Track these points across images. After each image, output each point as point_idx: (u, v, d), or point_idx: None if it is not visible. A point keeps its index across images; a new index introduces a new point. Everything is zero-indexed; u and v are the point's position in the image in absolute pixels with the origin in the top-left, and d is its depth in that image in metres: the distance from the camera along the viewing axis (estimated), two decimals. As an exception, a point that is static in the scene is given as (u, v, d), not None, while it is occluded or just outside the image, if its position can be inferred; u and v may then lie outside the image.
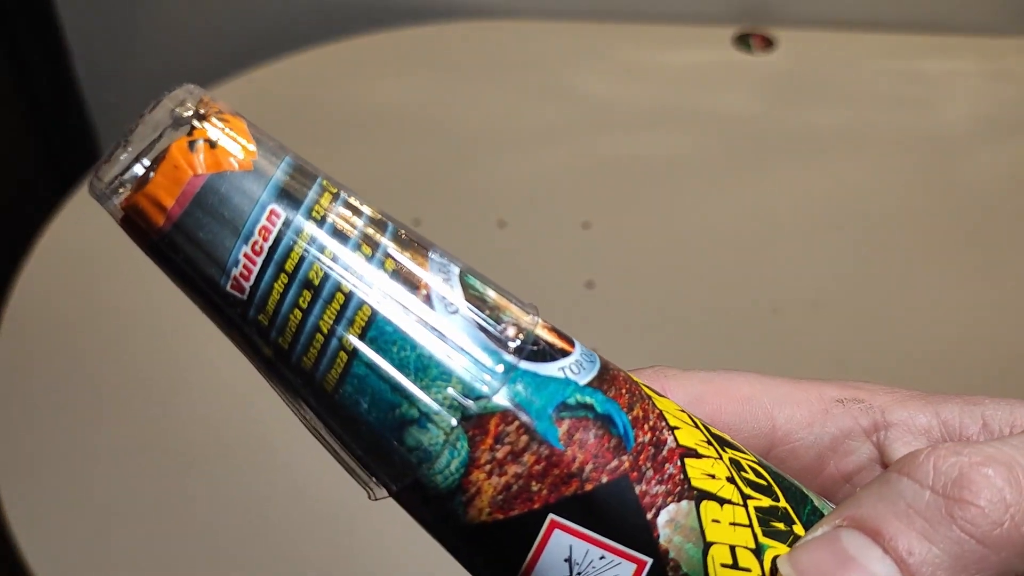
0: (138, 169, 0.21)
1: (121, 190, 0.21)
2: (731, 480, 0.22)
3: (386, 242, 0.21)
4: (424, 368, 0.21)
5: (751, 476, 0.23)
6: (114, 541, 0.62)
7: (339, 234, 0.21)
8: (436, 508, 0.22)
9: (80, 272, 0.77)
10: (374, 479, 0.22)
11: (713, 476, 0.22)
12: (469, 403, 0.21)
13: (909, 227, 0.83)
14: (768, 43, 0.98)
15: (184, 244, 0.21)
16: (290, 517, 0.63)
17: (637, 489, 0.21)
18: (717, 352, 0.72)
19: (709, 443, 0.23)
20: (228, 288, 0.21)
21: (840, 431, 0.26)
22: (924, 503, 0.21)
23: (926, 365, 0.72)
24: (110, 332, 0.74)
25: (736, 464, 0.23)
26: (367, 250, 0.21)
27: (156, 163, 0.21)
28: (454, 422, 0.21)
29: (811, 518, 0.23)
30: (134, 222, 0.21)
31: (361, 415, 0.21)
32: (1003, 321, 0.76)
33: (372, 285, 0.21)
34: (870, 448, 0.27)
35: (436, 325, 0.21)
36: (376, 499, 0.23)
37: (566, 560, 0.21)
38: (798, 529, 0.23)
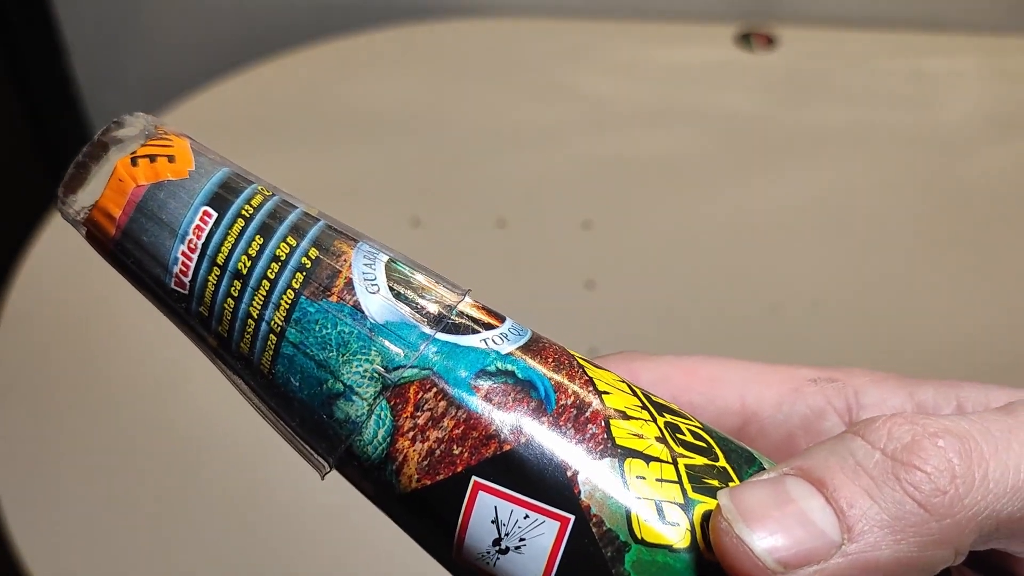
0: (92, 192, 0.24)
1: (83, 211, 0.24)
2: (661, 440, 0.23)
3: (312, 234, 0.23)
4: (345, 344, 0.23)
5: (688, 438, 0.23)
6: (113, 541, 0.62)
7: (265, 228, 0.23)
8: (372, 479, 0.23)
9: (78, 272, 0.77)
10: (316, 454, 0.24)
11: (640, 436, 0.23)
12: (388, 374, 0.23)
13: (910, 226, 0.83)
14: (770, 42, 0.97)
15: (133, 248, 0.24)
16: (292, 517, 0.63)
17: (556, 448, 0.22)
18: (717, 351, 0.72)
19: (644, 408, 0.23)
20: (172, 285, 0.23)
21: (811, 410, 0.26)
22: (873, 462, 0.21)
23: (926, 365, 0.71)
24: (109, 331, 0.73)
25: (672, 427, 0.23)
26: (292, 241, 0.23)
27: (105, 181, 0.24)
28: (375, 392, 0.23)
29: None
30: (94, 236, 0.24)
31: (294, 393, 0.23)
32: (1004, 321, 0.76)
33: (294, 271, 0.23)
34: (843, 428, 0.26)
35: (356, 304, 0.23)
36: (324, 477, 0.24)
37: (493, 521, 0.22)
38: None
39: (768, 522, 0.21)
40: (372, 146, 0.87)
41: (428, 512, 0.23)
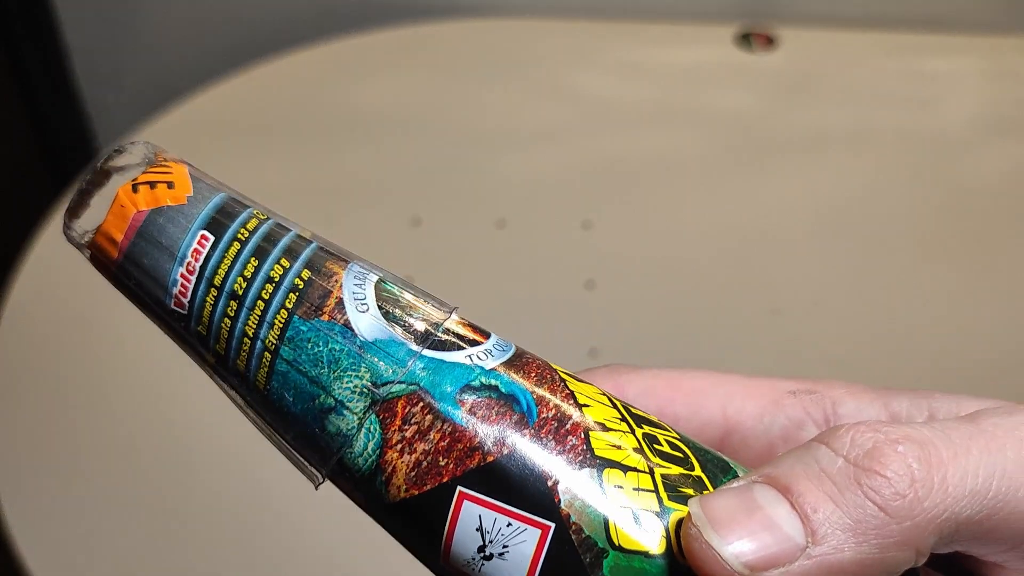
0: (95, 216, 0.25)
1: (87, 235, 0.25)
2: (638, 451, 0.24)
3: (305, 255, 0.25)
4: (336, 361, 0.24)
5: (665, 448, 0.24)
6: (113, 541, 0.62)
7: (259, 251, 0.24)
8: (363, 489, 0.24)
9: (78, 273, 0.77)
10: (309, 466, 0.25)
11: (619, 447, 0.24)
12: (376, 389, 0.24)
13: (911, 227, 0.83)
14: (770, 42, 0.97)
15: (134, 271, 0.25)
16: (290, 518, 0.63)
17: (537, 459, 0.23)
18: (717, 352, 0.72)
19: (623, 420, 0.24)
20: (172, 306, 0.25)
21: (790, 421, 0.27)
22: (836, 469, 0.22)
23: (927, 365, 0.71)
24: (108, 332, 0.73)
25: (650, 438, 0.24)
26: (285, 263, 0.24)
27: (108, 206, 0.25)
28: (365, 407, 0.24)
29: None
30: (97, 258, 0.26)
31: (288, 407, 0.24)
32: (1005, 321, 0.76)
33: (287, 292, 0.24)
34: None
35: (346, 323, 0.24)
36: (318, 487, 0.25)
37: (477, 529, 0.23)
38: None
39: (735, 527, 0.22)
40: (372, 146, 0.87)
41: (416, 521, 0.24)
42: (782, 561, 0.21)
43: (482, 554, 0.23)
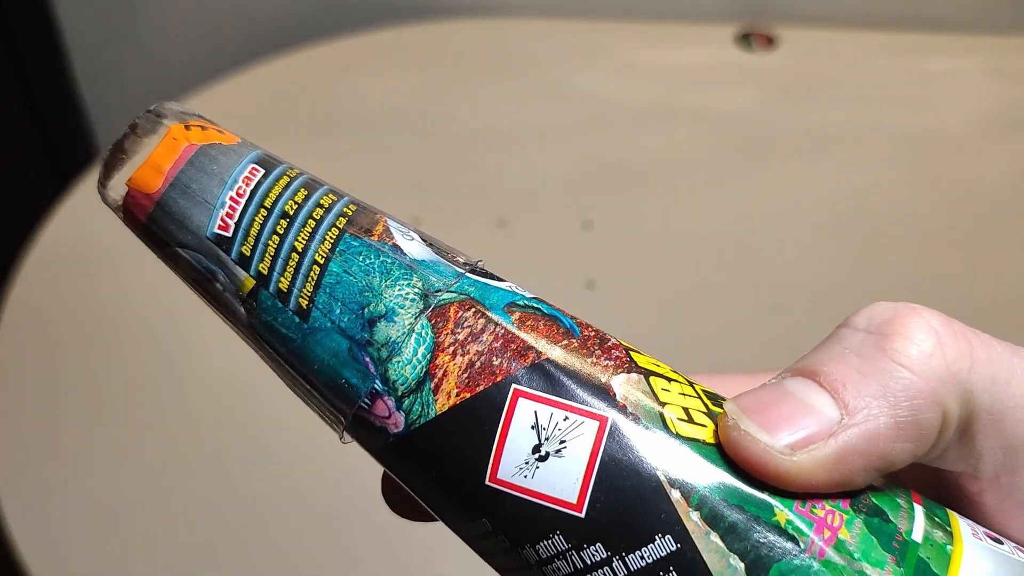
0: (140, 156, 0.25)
1: (126, 174, 0.25)
2: (676, 372, 0.25)
3: (348, 197, 0.25)
4: (387, 271, 0.24)
5: (698, 385, 0.25)
6: (113, 541, 0.62)
7: (308, 185, 0.25)
8: (406, 407, 0.23)
9: (78, 270, 0.77)
10: (342, 399, 0.24)
11: (658, 366, 0.24)
12: (429, 296, 0.24)
13: (911, 226, 0.83)
14: (770, 42, 0.97)
15: (179, 198, 0.24)
16: (290, 515, 0.63)
17: (589, 360, 0.24)
18: (717, 352, 0.72)
19: (653, 359, 0.25)
20: (216, 229, 0.24)
21: None
22: (859, 342, 0.23)
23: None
24: (109, 329, 0.73)
25: (679, 374, 0.25)
26: (332, 197, 0.25)
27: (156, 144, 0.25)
28: (417, 312, 0.24)
29: None
30: (135, 194, 0.25)
31: (332, 324, 0.24)
32: (1005, 320, 0.76)
33: (337, 215, 0.25)
34: None
35: (396, 244, 0.25)
36: (343, 433, 0.25)
37: (533, 427, 0.23)
38: None
39: (771, 414, 0.22)
40: (372, 146, 0.87)
41: (465, 430, 0.23)
42: (820, 437, 0.21)
43: (537, 454, 0.23)
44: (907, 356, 0.22)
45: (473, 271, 0.25)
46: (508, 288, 0.25)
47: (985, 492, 0.24)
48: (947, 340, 0.22)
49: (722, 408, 0.23)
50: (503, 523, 0.23)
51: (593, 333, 0.24)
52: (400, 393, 0.24)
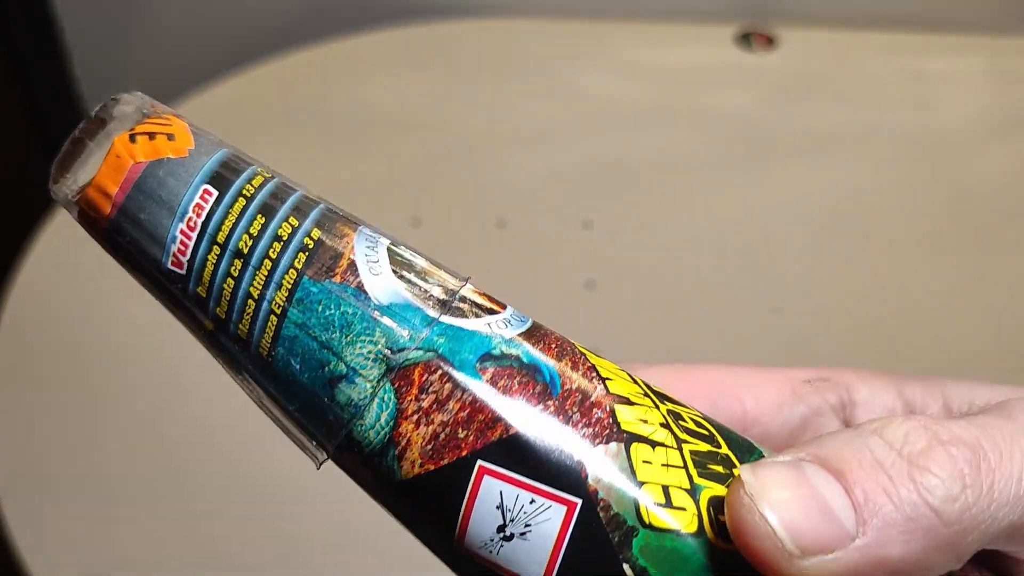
0: (86, 174, 0.23)
1: (77, 190, 0.23)
2: (665, 426, 0.22)
3: (314, 215, 0.23)
4: (348, 325, 0.22)
5: (690, 425, 0.23)
6: (113, 541, 0.62)
7: (266, 208, 0.23)
8: (372, 466, 0.22)
9: (78, 272, 0.77)
10: (314, 442, 0.23)
11: (645, 422, 0.22)
12: (392, 355, 0.22)
13: (912, 227, 0.83)
14: (770, 42, 0.97)
15: (129, 227, 0.23)
16: (289, 519, 0.63)
17: (563, 432, 0.22)
18: (718, 352, 0.72)
19: (645, 395, 0.23)
20: (169, 265, 0.23)
21: (810, 410, 0.27)
22: (890, 461, 0.22)
23: (928, 365, 0.71)
24: (108, 332, 0.73)
25: (674, 414, 0.23)
26: (294, 221, 0.23)
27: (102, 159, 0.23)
28: (379, 374, 0.22)
29: None
30: (87, 215, 0.23)
31: (294, 376, 0.22)
32: (1006, 321, 0.76)
33: (297, 251, 0.22)
34: (839, 425, 0.27)
35: (359, 285, 0.22)
36: (320, 467, 0.23)
37: (498, 507, 0.21)
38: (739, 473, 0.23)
39: (791, 507, 0.21)
40: (372, 146, 0.87)
41: (430, 499, 0.22)
42: (832, 547, 0.21)
43: (502, 534, 0.22)
44: (934, 496, 0.21)
45: (448, 310, 0.23)
46: (485, 332, 0.23)
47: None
48: (972, 483, 0.22)
49: (713, 482, 0.22)
50: None
51: (575, 387, 0.22)
52: (366, 454, 0.22)
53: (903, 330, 0.75)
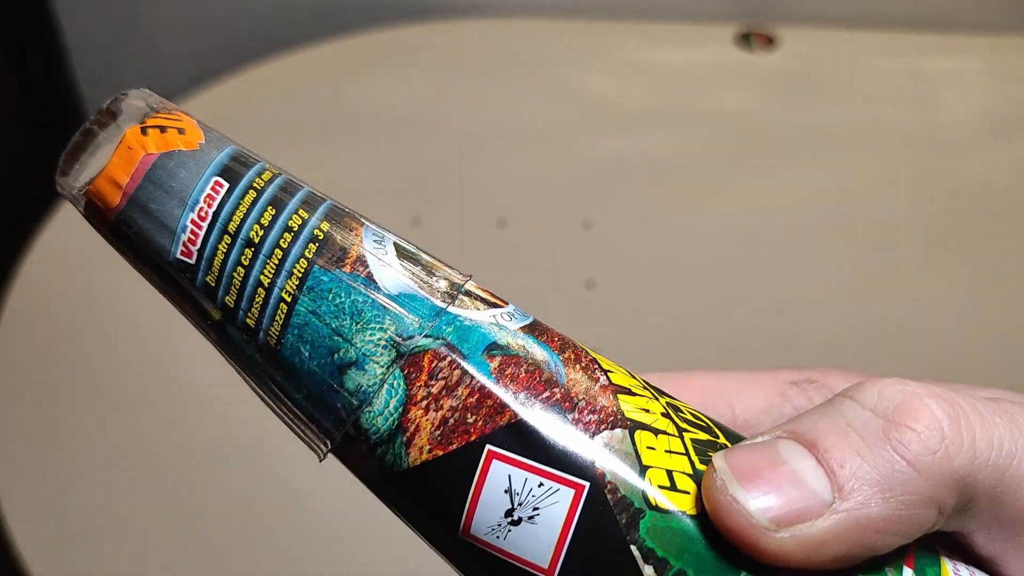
0: (93, 169, 0.23)
1: (84, 184, 0.24)
2: (666, 416, 0.23)
3: (323, 210, 0.23)
4: (359, 312, 0.23)
5: (688, 416, 0.24)
6: (113, 540, 0.62)
7: (276, 201, 0.23)
8: (378, 455, 0.23)
9: (78, 272, 0.77)
10: (319, 432, 0.23)
11: (647, 411, 0.23)
12: (402, 342, 0.23)
13: (913, 226, 0.83)
14: (770, 42, 0.97)
15: (138, 217, 0.23)
16: (288, 520, 0.63)
17: (570, 418, 0.22)
18: (718, 352, 0.72)
19: (645, 388, 0.24)
20: (178, 255, 0.23)
21: (796, 411, 0.27)
22: (863, 422, 0.22)
23: (929, 365, 0.71)
24: (109, 331, 0.73)
25: (673, 407, 0.24)
26: (304, 213, 0.23)
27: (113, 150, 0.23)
28: (389, 360, 0.22)
29: None
30: (94, 206, 0.24)
31: (303, 363, 0.23)
32: (1007, 321, 0.76)
33: (307, 241, 0.23)
34: None
35: (369, 275, 0.23)
36: (323, 458, 0.24)
37: (506, 491, 0.22)
38: None
39: (760, 482, 0.21)
40: (372, 146, 0.87)
41: (437, 486, 0.22)
42: (808, 516, 0.21)
43: (509, 518, 0.22)
44: (909, 451, 0.21)
45: (457, 297, 0.23)
46: (491, 323, 0.23)
47: (981, 547, 0.24)
48: (951, 434, 0.22)
49: (710, 462, 0.22)
50: (475, 573, 0.23)
51: (580, 377, 0.23)
52: (372, 442, 0.23)
53: (904, 329, 0.75)
